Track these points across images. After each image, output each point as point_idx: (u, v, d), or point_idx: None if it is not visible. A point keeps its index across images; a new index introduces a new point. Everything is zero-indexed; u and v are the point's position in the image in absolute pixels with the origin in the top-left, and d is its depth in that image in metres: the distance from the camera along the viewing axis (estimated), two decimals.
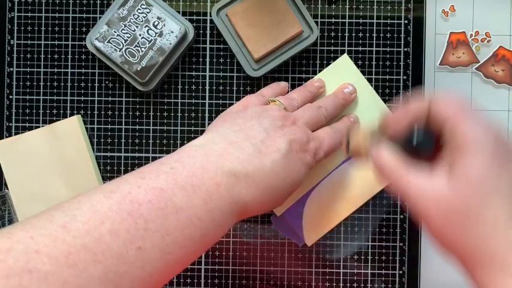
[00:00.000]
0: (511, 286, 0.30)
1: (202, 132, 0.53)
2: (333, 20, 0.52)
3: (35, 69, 0.53)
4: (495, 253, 0.31)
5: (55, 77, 0.53)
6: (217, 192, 0.35)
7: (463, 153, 0.32)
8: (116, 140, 0.53)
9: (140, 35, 0.49)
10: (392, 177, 0.36)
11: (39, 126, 0.53)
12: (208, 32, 0.53)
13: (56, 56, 0.53)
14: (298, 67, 0.52)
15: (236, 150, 0.38)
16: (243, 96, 0.46)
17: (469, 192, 0.32)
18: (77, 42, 0.53)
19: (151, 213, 0.32)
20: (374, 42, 0.52)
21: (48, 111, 0.53)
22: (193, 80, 0.53)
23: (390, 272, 0.52)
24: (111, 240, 0.30)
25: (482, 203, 0.31)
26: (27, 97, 0.53)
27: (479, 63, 0.52)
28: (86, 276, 0.28)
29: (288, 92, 0.51)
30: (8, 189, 0.52)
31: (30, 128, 0.53)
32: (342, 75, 0.51)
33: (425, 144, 0.35)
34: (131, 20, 0.49)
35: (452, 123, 0.33)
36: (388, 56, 0.52)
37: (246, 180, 0.37)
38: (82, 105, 0.53)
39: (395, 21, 0.52)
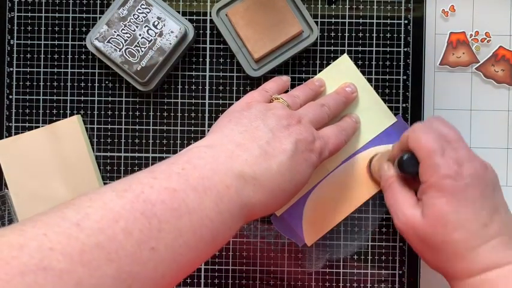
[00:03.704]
0: None
1: (202, 132, 0.53)
2: (333, 20, 0.52)
3: (35, 69, 0.53)
4: (454, 273, 0.40)
5: (55, 77, 0.53)
6: (227, 195, 0.35)
7: (428, 193, 0.40)
8: (116, 140, 0.53)
9: (140, 35, 0.49)
10: (390, 190, 0.44)
11: (39, 126, 0.53)
12: (208, 32, 0.53)
13: (56, 56, 0.53)
14: (298, 67, 0.52)
15: (244, 153, 0.37)
16: (243, 96, 0.46)
17: (436, 226, 0.39)
18: (77, 42, 0.53)
19: (165, 213, 0.32)
20: (374, 42, 0.52)
21: (48, 111, 0.53)
22: (193, 80, 0.53)
23: (390, 272, 0.52)
24: (125, 240, 0.30)
25: (445, 236, 0.39)
26: (27, 97, 0.53)
27: (479, 63, 0.52)
28: (100, 275, 0.28)
29: (289, 90, 0.51)
30: (8, 189, 0.52)
31: (30, 128, 0.53)
32: (342, 75, 0.51)
33: (409, 167, 0.42)
34: (131, 20, 0.49)
35: (421, 165, 0.40)
36: (388, 56, 0.52)
37: (254, 182, 0.37)
38: (82, 105, 0.53)
39: (395, 21, 0.52)
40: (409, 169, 0.42)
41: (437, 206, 0.39)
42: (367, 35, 0.52)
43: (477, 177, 0.39)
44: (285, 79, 0.50)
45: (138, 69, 0.49)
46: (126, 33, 0.49)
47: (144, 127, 0.53)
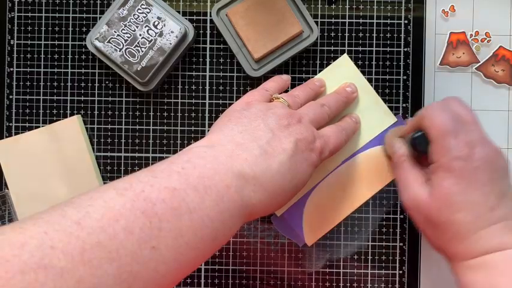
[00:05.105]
0: (469, 277, 0.39)
1: (202, 132, 0.53)
2: (333, 20, 0.52)
3: (35, 69, 0.53)
4: (455, 254, 0.40)
5: (55, 77, 0.53)
6: (227, 194, 0.35)
7: (438, 173, 0.40)
8: (116, 140, 0.53)
9: (140, 35, 0.49)
10: (401, 167, 0.44)
11: (39, 126, 0.53)
12: (208, 32, 0.53)
13: (56, 56, 0.53)
14: (298, 67, 0.52)
15: (244, 152, 0.37)
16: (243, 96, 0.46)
17: (441, 205, 0.40)
18: (77, 42, 0.53)
19: (165, 212, 0.32)
20: (374, 42, 0.52)
21: (48, 111, 0.53)
22: (193, 80, 0.53)
23: (390, 272, 0.52)
24: (125, 239, 0.30)
25: (449, 216, 0.39)
26: (27, 97, 0.53)
27: (479, 63, 0.52)
28: (101, 274, 0.28)
29: (289, 89, 0.51)
30: (8, 189, 0.52)
31: (30, 128, 0.53)
32: (342, 75, 0.51)
33: (420, 145, 0.43)
34: (131, 20, 0.49)
35: (433, 144, 0.41)
36: (388, 56, 0.52)
37: (254, 182, 0.37)
38: (82, 105, 0.53)
39: (395, 21, 0.52)
40: (421, 147, 0.43)
41: (445, 187, 0.39)
42: (367, 35, 0.52)
43: (488, 161, 0.39)
44: (285, 78, 0.50)
45: (138, 69, 0.49)
46: (126, 33, 0.49)
47: (144, 127, 0.53)
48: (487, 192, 0.39)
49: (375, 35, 0.52)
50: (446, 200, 0.39)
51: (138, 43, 0.49)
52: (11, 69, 0.53)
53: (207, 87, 0.53)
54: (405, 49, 0.52)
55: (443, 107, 0.42)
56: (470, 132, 0.40)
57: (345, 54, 0.52)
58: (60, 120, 0.52)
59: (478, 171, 0.39)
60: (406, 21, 0.52)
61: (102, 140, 0.53)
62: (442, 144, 0.40)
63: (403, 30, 0.52)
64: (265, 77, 0.51)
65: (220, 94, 0.53)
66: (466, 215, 0.39)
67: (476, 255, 0.39)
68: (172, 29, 0.49)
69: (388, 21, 0.52)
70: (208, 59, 0.53)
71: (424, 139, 0.42)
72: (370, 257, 0.52)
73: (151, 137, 0.53)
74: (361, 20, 0.52)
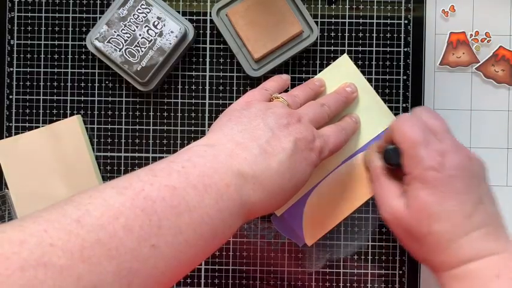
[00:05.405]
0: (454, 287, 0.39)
1: (202, 132, 0.53)
2: (333, 20, 0.52)
3: (35, 69, 0.53)
4: (438, 265, 0.40)
5: (55, 77, 0.53)
6: (227, 193, 0.35)
7: (412, 184, 0.40)
8: (116, 140, 0.53)
9: (140, 35, 0.49)
10: (376, 181, 0.44)
11: (39, 126, 0.53)
12: (208, 32, 0.53)
13: (56, 56, 0.53)
14: (298, 67, 0.52)
15: (243, 151, 0.38)
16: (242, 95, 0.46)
17: (419, 217, 0.39)
18: (77, 42, 0.53)
19: (165, 210, 0.32)
20: (374, 42, 0.52)
21: (48, 111, 0.53)
22: (193, 80, 0.53)
23: (390, 272, 0.52)
24: (125, 236, 0.30)
25: (428, 228, 0.39)
26: (27, 97, 0.53)
27: (479, 63, 0.52)
28: (100, 271, 0.28)
29: (289, 89, 0.51)
30: (8, 189, 0.52)
31: (30, 128, 0.53)
32: (342, 75, 0.51)
33: (392, 159, 0.43)
34: (131, 20, 0.49)
35: (405, 156, 0.41)
36: (388, 56, 0.52)
37: (253, 181, 0.37)
38: (82, 105, 0.53)
39: (395, 21, 0.52)
40: (393, 161, 0.43)
41: (421, 198, 0.39)
42: (367, 35, 0.52)
43: (461, 168, 0.39)
44: (285, 78, 0.50)
45: (138, 69, 0.49)
46: (126, 33, 0.49)
47: (144, 127, 0.53)
48: (463, 201, 0.38)
49: (375, 35, 0.52)
50: (424, 211, 0.39)
51: (138, 43, 0.49)
52: (11, 69, 0.53)
53: (207, 87, 0.53)
54: (405, 49, 0.52)
55: (413, 119, 0.41)
56: (441, 141, 0.40)
57: (345, 54, 0.52)
58: (60, 120, 0.52)
59: (452, 180, 0.38)
60: (406, 21, 0.52)
61: (102, 140, 0.53)
62: (414, 155, 0.39)
63: (403, 30, 0.52)
64: (265, 77, 0.51)
65: (220, 94, 0.53)
66: (444, 225, 0.38)
67: (459, 265, 0.38)
68: (172, 29, 0.49)
69: (388, 21, 0.52)
70: (208, 59, 0.53)
71: (396, 152, 0.42)
72: (370, 257, 0.52)
73: (151, 137, 0.53)
74: (361, 20, 0.52)
